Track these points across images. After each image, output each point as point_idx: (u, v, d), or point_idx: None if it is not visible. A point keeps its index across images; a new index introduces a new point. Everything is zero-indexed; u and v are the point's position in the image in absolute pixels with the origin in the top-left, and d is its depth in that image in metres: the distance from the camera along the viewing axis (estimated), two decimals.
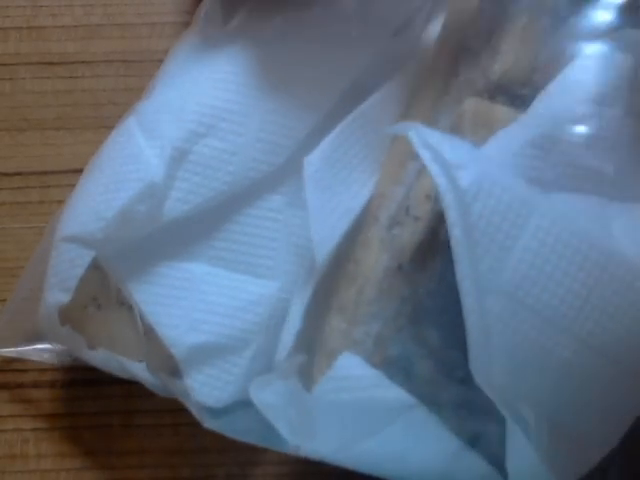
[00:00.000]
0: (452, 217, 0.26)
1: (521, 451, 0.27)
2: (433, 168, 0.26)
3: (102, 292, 0.32)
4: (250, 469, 0.35)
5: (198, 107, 0.32)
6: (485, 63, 0.30)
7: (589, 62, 0.28)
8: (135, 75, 0.40)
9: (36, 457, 0.35)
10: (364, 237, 0.30)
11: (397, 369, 0.28)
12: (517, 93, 0.29)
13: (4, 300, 0.36)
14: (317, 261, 0.30)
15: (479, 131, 0.29)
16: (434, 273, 0.28)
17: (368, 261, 0.30)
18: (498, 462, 0.28)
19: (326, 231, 0.30)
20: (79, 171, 0.34)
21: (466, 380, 0.27)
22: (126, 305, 0.32)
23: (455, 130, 0.29)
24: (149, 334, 0.32)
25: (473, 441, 0.28)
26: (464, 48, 0.31)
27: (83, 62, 0.40)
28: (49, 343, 0.35)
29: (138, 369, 0.32)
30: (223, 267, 0.32)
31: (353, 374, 0.28)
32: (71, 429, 0.36)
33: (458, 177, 0.26)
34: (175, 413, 0.34)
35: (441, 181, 0.26)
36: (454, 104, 0.30)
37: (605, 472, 0.29)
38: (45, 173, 0.39)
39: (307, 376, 0.30)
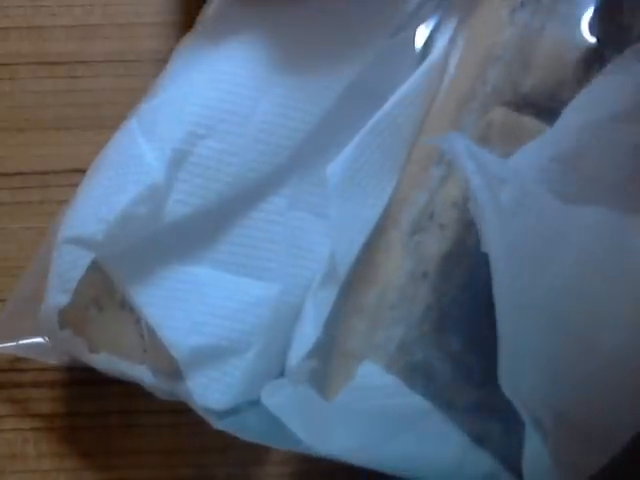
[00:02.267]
0: (489, 232, 0.26)
1: (538, 455, 0.27)
2: (475, 180, 0.26)
3: (103, 294, 0.32)
4: (251, 469, 0.35)
5: (197, 108, 0.32)
6: (516, 74, 0.30)
7: (613, 77, 0.28)
8: (135, 75, 0.39)
9: (36, 457, 0.35)
10: (384, 241, 0.30)
11: (419, 374, 0.29)
12: (545, 106, 0.29)
13: (4, 300, 0.36)
14: (339, 272, 0.30)
15: (507, 142, 0.29)
16: (460, 282, 0.28)
17: (389, 265, 0.30)
18: (505, 461, 0.28)
19: (347, 242, 0.30)
20: (79, 171, 0.34)
21: (481, 385, 0.28)
22: (127, 307, 0.32)
23: (483, 140, 0.30)
24: (150, 336, 0.32)
25: (482, 440, 0.29)
26: (493, 56, 0.31)
27: (83, 62, 0.40)
28: (48, 344, 0.35)
29: (139, 371, 0.32)
30: (224, 269, 0.32)
31: (374, 384, 0.28)
32: (71, 429, 0.36)
33: (499, 192, 0.26)
34: (175, 413, 0.35)
35: (482, 195, 0.26)
36: (479, 112, 0.30)
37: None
38: (45, 173, 0.39)
39: (321, 380, 0.30)
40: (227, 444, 0.33)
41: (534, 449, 0.27)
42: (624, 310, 0.27)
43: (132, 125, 0.33)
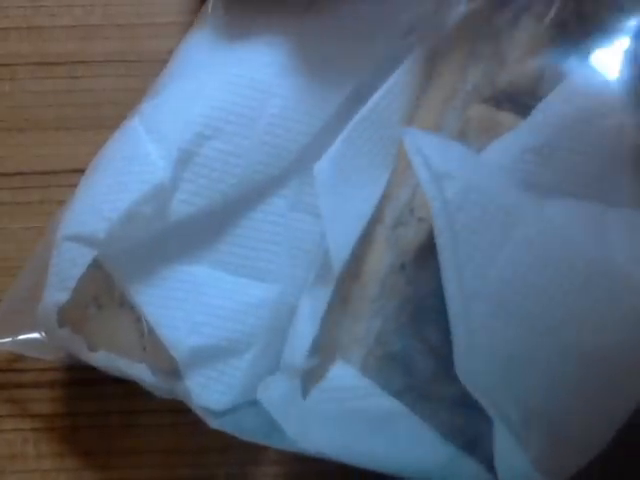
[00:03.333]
0: (437, 225, 0.27)
1: (508, 450, 0.27)
2: (422, 175, 0.27)
3: (103, 292, 0.32)
4: (250, 469, 0.35)
5: (205, 109, 0.32)
6: (493, 71, 0.30)
7: (590, 73, 0.29)
8: (135, 75, 0.39)
9: (36, 457, 0.35)
10: (369, 236, 0.30)
11: (397, 365, 0.29)
12: (523, 102, 0.30)
13: (4, 300, 0.36)
14: (334, 268, 0.30)
15: (484, 138, 0.29)
16: (435, 273, 0.28)
17: (372, 259, 0.30)
18: (482, 458, 0.28)
19: (341, 238, 0.30)
20: (79, 171, 0.34)
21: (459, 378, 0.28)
22: (127, 306, 0.32)
23: (462, 135, 0.30)
24: (150, 335, 0.32)
25: (466, 438, 0.29)
26: (473, 54, 0.31)
27: (83, 62, 0.40)
28: (46, 340, 0.35)
29: (138, 370, 0.32)
30: (225, 270, 0.32)
31: (346, 385, 0.29)
32: (71, 429, 0.36)
33: (445, 186, 0.27)
34: (175, 413, 0.35)
35: (428, 189, 0.27)
36: (461, 109, 0.31)
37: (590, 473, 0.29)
38: (45, 173, 0.39)
39: (313, 377, 0.30)
40: (226, 444, 0.33)
41: (504, 444, 0.27)
42: (579, 301, 0.27)
43: (135, 124, 0.33)
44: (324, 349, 0.30)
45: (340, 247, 0.30)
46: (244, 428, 0.30)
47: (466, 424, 0.29)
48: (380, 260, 0.30)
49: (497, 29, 0.31)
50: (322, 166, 0.31)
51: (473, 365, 0.27)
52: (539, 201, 0.28)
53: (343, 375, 0.29)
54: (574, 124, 0.28)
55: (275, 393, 0.29)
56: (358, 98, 0.33)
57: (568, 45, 0.30)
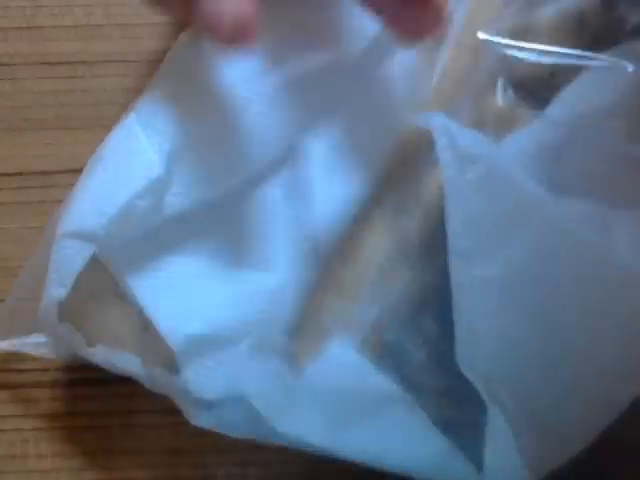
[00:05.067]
0: (451, 206, 0.27)
1: (500, 441, 0.28)
2: (445, 155, 0.27)
3: (100, 285, 0.32)
4: (249, 469, 0.35)
5: (195, 102, 0.32)
6: (509, 60, 0.30)
7: (602, 72, 0.29)
8: (135, 75, 0.39)
9: (36, 457, 0.35)
10: (368, 220, 0.30)
11: (391, 353, 0.29)
12: (538, 94, 0.29)
13: (4, 300, 0.36)
14: (323, 247, 0.30)
15: (501, 128, 0.29)
16: (440, 266, 0.28)
17: (371, 244, 0.30)
18: (468, 451, 0.28)
19: (332, 216, 0.30)
20: (79, 171, 0.34)
21: (453, 371, 0.28)
22: (126, 300, 0.32)
23: (478, 125, 0.30)
24: (147, 327, 0.32)
25: (450, 428, 0.29)
26: (488, 42, 0.31)
27: (83, 62, 0.40)
28: (48, 340, 0.35)
29: (133, 363, 0.32)
30: (221, 260, 0.32)
31: (345, 361, 0.29)
32: (71, 429, 0.36)
33: (467, 169, 0.27)
34: (175, 413, 0.34)
35: (448, 170, 0.27)
36: (475, 98, 0.30)
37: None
38: (45, 173, 0.39)
39: (293, 358, 0.30)
40: (227, 444, 0.33)
41: (496, 430, 0.27)
42: (582, 295, 0.27)
43: (131, 120, 0.33)
44: (308, 331, 0.30)
45: (330, 227, 0.30)
46: (227, 424, 0.30)
47: (455, 417, 0.29)
48: (379, 246, 0.29)
49: (514, 17, 0.31)
50: (313, 146, 0.31)
51: (473, 350, 0.27)
52: (550, 197, 0.27)
53: (343, 354, 0.29)
54: (588, 123, 0.28)
55: (254, 379, 0.29)
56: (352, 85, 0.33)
57: (587, 40, 0.30)
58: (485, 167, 0.27)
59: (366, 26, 0.32)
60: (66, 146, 0.39)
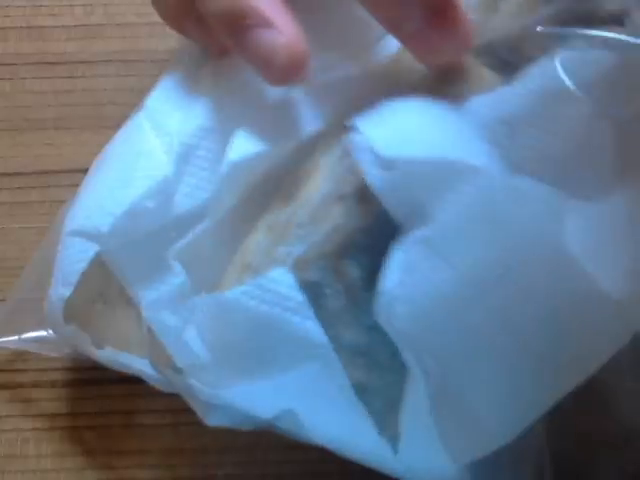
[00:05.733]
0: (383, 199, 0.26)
1: (418, 405, 0.27)
2: (367, 168, 0.27)
3: (108, 287, 0.32)
4: (250, 469, 0.35)
5: (206, 102, 0.32)
6: (481, 21, 0.29)
7: (573, 54, 0.28)
8: (135, 75, 0.40)
9: (36, 457, 0.35)
10: (314, 164, 0.29)
11: (309, 294, 0.27)
12: (503, 58, 0.29)
13: (4, 300, 0.36)
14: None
15: (459, 85, 0.28)
16: (374, 211, 0.27)
17: (311, 187, 0.29)
18: (379, 419, 0.27)
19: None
20: (79, 171, 0.34)
21: (371, 328, 0.27)
22: (129, 299, 0.32)
23: (436, 80, 0.29)
24: (150, 328, 0.32)
25: (360, 391, 0.28)
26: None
27: (83, 62, 0.40)
28: (51, 337, 0.35)
29: (142, 365, 0.32)
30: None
31: (281, 291, 0.27)
32: (71, 429, 0.36)
33: (391, 173, 0.27)
34: (175, 413, 0.35)
35: (371, 178, 0.27)
36: None
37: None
38: (45, 173, 0.39)
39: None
40: (226, 444, 0.33)
41: (415, 396, 0.27)
42: (516, 272, 0.26)
43: (140, 119, 0.33)
44: (233, 265, 0.29)
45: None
46: (239, 419, 0.30)
47: (370, 385, 0.28)
48: (318, 188, 0.28)
49: None
50: None
51: (391, 303, 0.26)
52: (501, 172, 0.27)
53: (281, 281, 0.27)
54: (552, 103, 0.27)
55: (166, 317, 0.29)
56: None
57: (565, 15, 0.29)
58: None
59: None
60: (66, 146, 0.39)
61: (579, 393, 0.27)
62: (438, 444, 0.27)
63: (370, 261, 0.27)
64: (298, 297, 0.27)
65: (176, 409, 0.33)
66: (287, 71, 0.28)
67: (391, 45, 0.30)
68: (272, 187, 0.30)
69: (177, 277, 0.30)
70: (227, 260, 0.30)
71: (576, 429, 0.28)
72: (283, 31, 0.27)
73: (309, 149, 0.30)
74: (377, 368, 0.27)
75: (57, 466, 0.35)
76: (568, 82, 0.27)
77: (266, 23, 0.28)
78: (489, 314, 0.26)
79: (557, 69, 0.27)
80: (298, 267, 0.28)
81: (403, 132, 0.27)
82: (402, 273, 0.26)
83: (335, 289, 0.27)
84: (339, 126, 0.29)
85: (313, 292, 0.28)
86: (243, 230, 0.30)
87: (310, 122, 0.31)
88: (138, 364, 0.32)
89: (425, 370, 0.26)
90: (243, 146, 0.30)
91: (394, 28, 0.28)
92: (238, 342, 0.28)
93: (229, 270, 0.29)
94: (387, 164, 0.26)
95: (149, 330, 0.31)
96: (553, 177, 0.27)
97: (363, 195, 0.28)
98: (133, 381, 0.33)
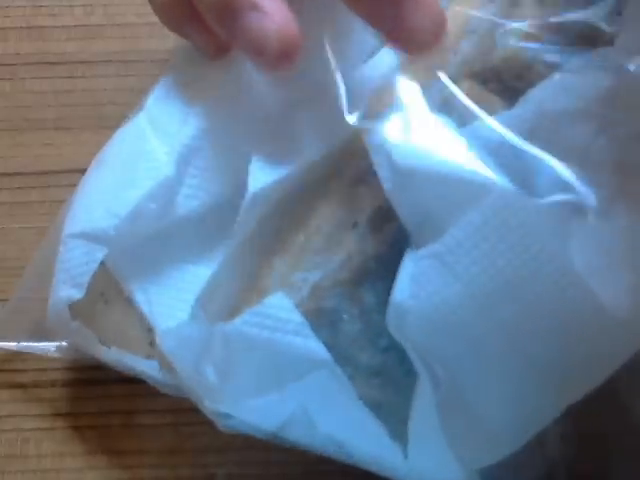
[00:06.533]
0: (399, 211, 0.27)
1: (427, 415, 0.27)
2: (382, 171, 0.27)
3: (110, 288, 0.32)
4: (250, 469, 0.35)
5: (207, 103, 0.32)
6: (486, 48, 0.30)
7: (572, 76, 0.28)
8: (135, 75, 0.40)
9: (36, 457, 0.35)
10: (325, 188, 0.30)
11: (326, 321, 0.28)
12: (510, 84, 0.29)
13: (4, 300, 0.36)
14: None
15: (467, 113, 0.29)
16: (387, 238, 0.28)
17: (324, 212, 0.29)
18: (396, 437, 0.28)
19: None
20: (79, 171, 0.34)
21: (386, 350, 0.28)
22: (131, 300, 0.32)
23: (445, 104, 0.29)
24: (151, 330, 0.31)
25: (375, 409, 0.28)
26: (469, 29, 0.31)
27: (83, 62, 0.40)
28: (54, 340, 0.35)
29: (147, 366, 0.32)
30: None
31: (280, 315, 0.28)
32: (71, 429, 0.36)
33: (405, 182, 0.27)
34: (175, 413, 0.35)
35: (388, 184, 0.27)
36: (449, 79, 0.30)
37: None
38: (45, 173, 0.39)
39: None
40: (227, 444, 0.33)
41: (425, 403, 0.27)
42: (524, 286, 0.26)
43: (141, 120, 0.33)
44: (248, 290, 0.30)
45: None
46: (249, 424, 0.30)
47: (384, 402, 0.28)
48: (332, 214, 0.29)
49: (496, 7, 0.31)
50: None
51: (404, 315, 0.27)
52: (511, 192, 0.27)
53: (280, 305, 0.28)
54: (553, 124, 0.28)
55: (180, 342, 0.29)
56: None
57: (567, 40, 0.30)
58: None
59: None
60: (66, 146, 0.39)
61: (593, 396, 0.27)
62: (447, 450, 0.28)
63: (384, 287, 0.28)
64: (297, 318, 0.28)
65: (176, 409, 0.33)
66: (279, 56, 0.28)
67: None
68: (285, 213, 0.31)
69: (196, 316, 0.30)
70: (244, 287, 0.30)
71: (590, 432, 0.28)
72: (273, 16, 0.28)
73: (317, 169, 0.30)
74: (391, 386, 0.28)
75: (57, 466, 0.35)
76: (568, 103, 0.27)
77: (254, 6, 0.28)
78: (496, 327, 0.27)
79: (557, 91, 0.28)
80: (315, 294, 0.28)
81: (420, 143, 0.28)
82: (413, 285, 0.27)
83: (351, 314, 0.28)
84: (344, 148, 0.30)
85: (330, 318, 0.28)
86: (259, 256, 0.30)
87: (315, 143, 0.31)
88: (141, 365, 0.32)
89: (434, 378, 0.27)
90: (261, 176, 0.30)
91: (375, 22, 0.29)
92: (246, 369, 0.29)
93: (245, 297, 0.30)
94: (403, 171, 0.27)
95: (151, 331, 0.31)
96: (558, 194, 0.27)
97: (375, 224, 0.29)
98: (133, 381, 0.33)
